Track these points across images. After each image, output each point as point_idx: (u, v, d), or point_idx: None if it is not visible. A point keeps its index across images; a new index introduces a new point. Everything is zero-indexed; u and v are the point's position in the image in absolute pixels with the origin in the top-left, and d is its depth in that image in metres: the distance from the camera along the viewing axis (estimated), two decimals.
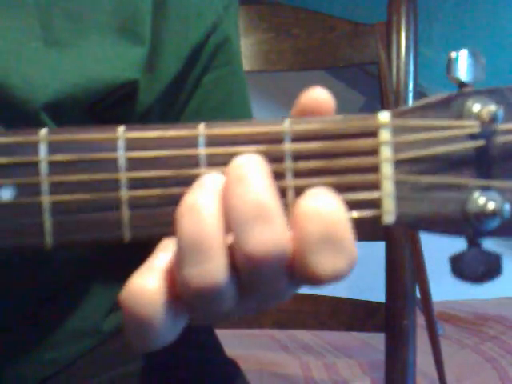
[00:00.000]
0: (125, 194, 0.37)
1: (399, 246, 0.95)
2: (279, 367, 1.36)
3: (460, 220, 0.37)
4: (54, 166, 0.37)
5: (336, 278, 0.36)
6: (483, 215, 0.37)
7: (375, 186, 0.37)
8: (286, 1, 1.30)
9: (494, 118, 0.37)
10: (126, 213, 0.37)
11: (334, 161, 0.37)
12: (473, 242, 0.38)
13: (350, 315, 0.99)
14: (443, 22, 1.74)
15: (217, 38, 0.60)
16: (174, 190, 0.37)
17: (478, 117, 0.37)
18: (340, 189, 0.37)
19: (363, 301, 0.99)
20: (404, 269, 0.95)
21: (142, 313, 0.35)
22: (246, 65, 0.93)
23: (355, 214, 0.37)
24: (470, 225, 0.37)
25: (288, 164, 0.37)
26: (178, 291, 0.36)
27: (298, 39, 0.98)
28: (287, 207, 0.37)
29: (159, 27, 0.56)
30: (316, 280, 0.36)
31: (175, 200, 0.36)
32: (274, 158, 0.37)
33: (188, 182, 0.37)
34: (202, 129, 0.37)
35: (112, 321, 0.64)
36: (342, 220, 0.35)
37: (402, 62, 0.95)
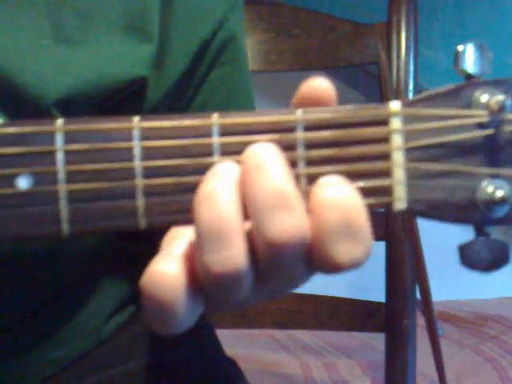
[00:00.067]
0: (140, 182, 0.37)
1: (399, 245, 0.95)
2: (279, 367, 1.36)
3: (469, 207, 0.38)
4: (70, 156, 0.37)
5: (353, 265, 0.36)
6: (492, 203, 0.38)
7: (386, 173, 0.38)
8: (286, 1, 1.31)
9: (502, 108, 0.37)
10: (141, 201, 0.37)
11: (345, 149, 0.38)
12: (481, 231, 0.39)
13: (350, 315, 0.99)
14: (443, 22, 1.75)
15: (223, 35, 0.60)
16: (189, 179, 0.37)
17: (486, 106, 0.38)
18: (352, 176, 0.37)
19: (363, 301, 0.99)
20: (404, 269, 0.95)
21: (163, 297, 0.36)
22: None
23: (368, 200, 0.37)
24: (479, 212, 0.38)
25: (300, 152, 0.38)
26: (198, 277, 0.36)
27: (298, 39, 0.99)
28: (301, 195, 0.37)
29: (167, 24, 0.56)
30: (334, 267, 0.36)
31: (190, 188, 0.37)
32: (286, 147, 0.37)
33: (202, 170, 0.37)
34: (215, 118, 0.38)
35: (114, 321, 0.64)
36: (358, 208, 0.36)
37: (402, 62, 0.95)
